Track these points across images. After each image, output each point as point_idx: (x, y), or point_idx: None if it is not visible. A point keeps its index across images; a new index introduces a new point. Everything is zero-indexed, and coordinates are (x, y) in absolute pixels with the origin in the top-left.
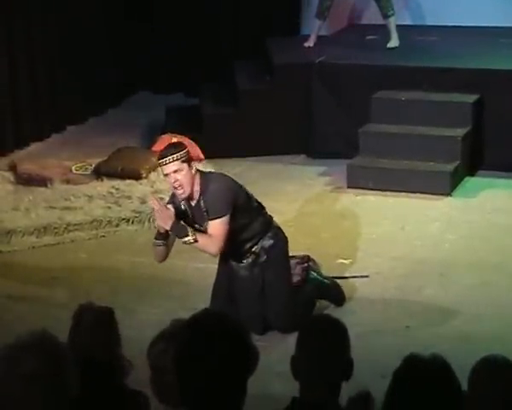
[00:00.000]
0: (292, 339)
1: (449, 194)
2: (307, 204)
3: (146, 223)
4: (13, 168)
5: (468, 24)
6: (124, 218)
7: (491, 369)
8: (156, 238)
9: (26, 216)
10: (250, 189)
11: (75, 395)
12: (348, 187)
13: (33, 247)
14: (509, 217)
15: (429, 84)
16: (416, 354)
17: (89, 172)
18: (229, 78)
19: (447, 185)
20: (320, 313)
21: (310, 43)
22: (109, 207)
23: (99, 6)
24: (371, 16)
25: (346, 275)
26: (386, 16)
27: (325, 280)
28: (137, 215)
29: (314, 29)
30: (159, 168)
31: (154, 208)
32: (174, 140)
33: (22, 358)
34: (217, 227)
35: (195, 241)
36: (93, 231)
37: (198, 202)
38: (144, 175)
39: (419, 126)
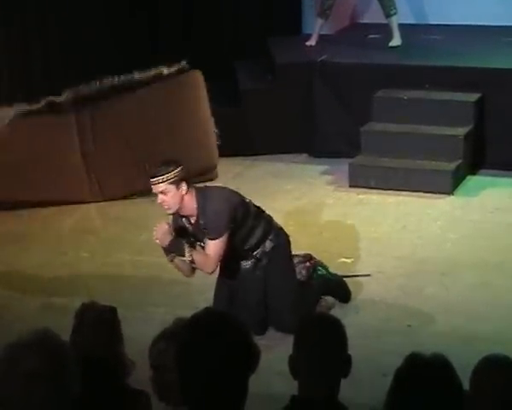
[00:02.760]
0: (292, 338)
1: (451, 193)
2: (309, 203)
3: None
4: None
5: (471, 23)
6: None
7: (493, 369)
8: (166, 255)
9: None
10: (251, 188)
11: (77, 394)
12: (350, 186)
13: None
14: (510, 216)
15: (431, 83)
16: (418, 353)
17: None
18: (230, 77)
19: (449, 184)
20: (316, 312)
21: (311, 42)
22: None
23: (100, 3)
24: (373, 15)
25: (348, 274)
26: (388, 15)
27: (332, 277)
28: None
29: (316, 28)
30: None
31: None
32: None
33: (24, 356)
34: (213, 248)
35: (192, 261)
36: None
37: (197, 219)
38: None
39: (421, 125)
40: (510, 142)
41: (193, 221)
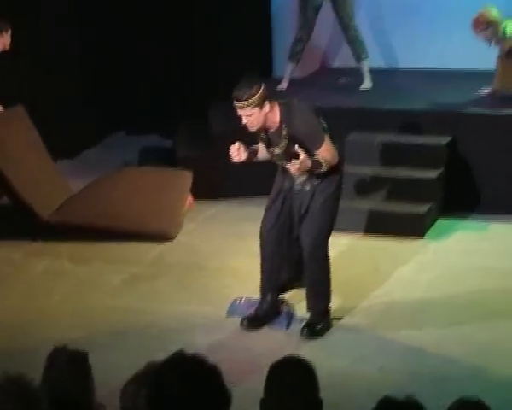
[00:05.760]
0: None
1: (422, 235)
2: None
3: None
4: None
5: (440, 67)
6: None
7: None
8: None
9: None
10: (226, 229)
11: None
12: None
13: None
14: (481, 258)
15: (402, 127)
16: (391, 395)
17: None
18: (204, 119)
19: (420, 227)
20: (287, 355)
21: (283, 86)
22: None
23: (73, 47)
24: (344, 59)
25: None
26: (359, 59)
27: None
28: None
29: (287, 72)
30: None
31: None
32: None
33: None
34: (325, 150)
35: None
36: None
37: (277, 130)
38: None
39: (392, 168)
40: (481, 185)
41: (271, 131)
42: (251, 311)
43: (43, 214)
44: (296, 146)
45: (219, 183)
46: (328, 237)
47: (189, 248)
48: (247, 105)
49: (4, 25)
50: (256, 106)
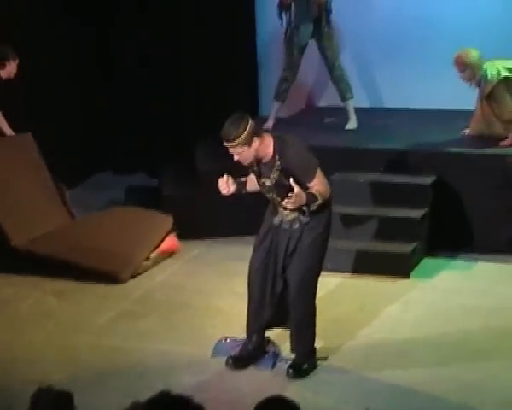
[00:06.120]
0: None
1: (407, 275)
2: None
3: None
4: None
5: (426, 107)
6: None
7: None
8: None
9: None
10: (212, 269)
11: None
12: None
13: None
14: (467, 297)
15: (387, 166)
16: None
17: None
18: (190, 158)
19: (405, 266)
20: (273, 394)
21: (268, 125)
22: None
23: (60, 87)
24: (329, 98)
25: None
26: (344, 99)
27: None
28: None
29: (272, 111)
30: None
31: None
32: None
33: None
34: (317, 183)
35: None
36: None
37: (269, 161)
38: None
39: (377, 208)
40: (466, 224)
41: (263, 162)
42: (236, 351)
43: (12, 239)
44: (291, 180)
45: (205, 222)
46: (317, 278)
47: (175, 287)
48: (236, 144)
49: (12, 54)
50: (245, 144)
